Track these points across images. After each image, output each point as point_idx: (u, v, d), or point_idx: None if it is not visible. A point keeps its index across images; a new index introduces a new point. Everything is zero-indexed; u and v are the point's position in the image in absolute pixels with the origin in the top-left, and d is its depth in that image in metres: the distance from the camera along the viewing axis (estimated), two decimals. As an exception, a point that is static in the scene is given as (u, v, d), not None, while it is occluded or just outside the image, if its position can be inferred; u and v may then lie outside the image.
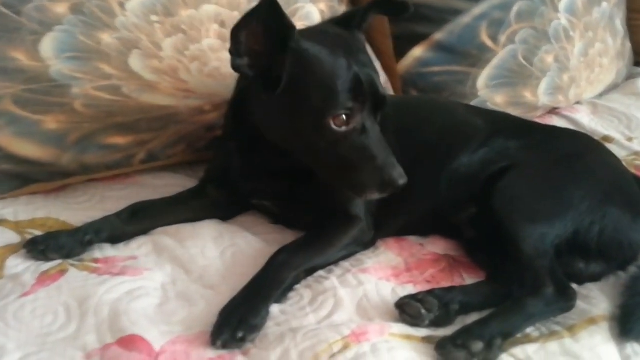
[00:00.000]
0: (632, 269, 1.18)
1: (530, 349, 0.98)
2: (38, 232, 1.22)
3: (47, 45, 1.28)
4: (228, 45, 1.39)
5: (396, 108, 1.24)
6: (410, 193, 1.17)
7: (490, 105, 1.79)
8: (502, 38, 1.80)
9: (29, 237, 1.19)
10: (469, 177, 1.28)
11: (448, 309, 1.05)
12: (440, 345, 0.96)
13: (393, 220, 1.29)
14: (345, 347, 0.95)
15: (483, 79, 1.79)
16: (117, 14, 1.34)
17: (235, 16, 1.43)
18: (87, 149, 1.34)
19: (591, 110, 1.99)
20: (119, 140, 1.37)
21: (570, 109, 1.98)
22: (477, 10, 1.77)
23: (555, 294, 1.05)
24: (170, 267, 1.15)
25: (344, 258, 1.20)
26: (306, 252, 1.15)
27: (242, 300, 1.03)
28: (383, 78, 1.70)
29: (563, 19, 1.93)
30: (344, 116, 1.07)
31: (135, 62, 1.35)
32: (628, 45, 2.25)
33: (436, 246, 1.27)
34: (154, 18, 1.37)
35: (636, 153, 1.69)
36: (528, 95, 1.87)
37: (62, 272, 1.12)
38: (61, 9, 1.29)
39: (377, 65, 1.68)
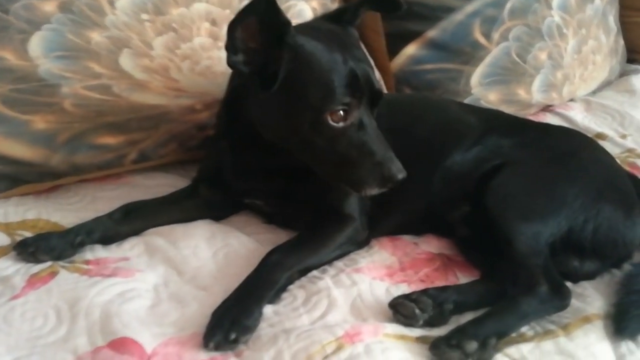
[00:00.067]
0: (627, 267, 1.18)
1: (525, 348, 0.98)
2: (28, 234, 1.21)
3: (36, 44, 1.26)
4: (219, 43, 1.41)
5: (389, 106, 1.23)
6: (403, 192, 1.16)
7: (483, 103, 1.79)
8: (496, 35, 1.80)
9: (19, 238, 1.18)
10: (463, 175, 1.28)
11: (442, 308, 1.04)
12: (434, 346, 0.96)
13: (387, 219, 1.28)
14: (339, 348, 0.94)
15: (476, 76, 1.79)
16: (107, 12, 1.33)
17: (226, 14, 1.43)
18: (78, 149, 1.33)
19: (585, 108, 1.99)
20: (110, 140, 1.35)
21: (564, 107, 1.98)
22: (470, 7, 1.77)
23: (549, 293, 1.05)
24: (163, 268, 1.14)
25: (338, 258, 1.20)
26: (299, 252, 1.15)
27: (235, 301, 1.02)
28: (376, 76, 1.69)
29: (556, 16, 1.92)
30: (341, 112, 1.07)
31: (126, 61, 1.34)
32: (621, 42, 2.25)
33: (430, 245, 1.26)
34: (144, 16, 1.36)
35: (629, 150, 1.70)
36: (522, 92, 1.87)
37: (53, 274, 1.10)
38: (49, 7, 1.28)
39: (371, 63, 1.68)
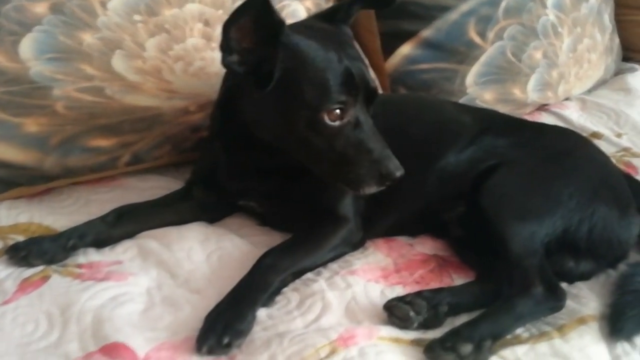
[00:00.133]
0: (622, 267, 1.18)
1: (520, 350, 0.98)
2: (21, 238, 1.20)
3: (27, 46, 1.25)
4: (213, 44, 1.40)
5: (383, 106, 1.22)
6: (398, 192, 1.16)
7: (479, 103, 1.79)
8: (491, 34, 1.79)
9: (11, 242, 1.17)
10: (457, 175, 1.27)
11: (437, 310, 1.04)
12: (429, 348, 0.95)
13: (381, 220, 1.28)
14: (333, 352, 0.93)
15: (472, 76, 1.78)
16: (99, 13, 1.32)
17: (219, 14, 1.42)
18: (70, 152, 1.32)
19: (580, 107, 1.99)
20: (103, 142, 1.34)
21: (560, 105, 1.98)
22: (465, 6, 1.76)
23: (544, 294, 1.05)
24: (156, 272, 1.13)
25: (333, 260, 1.19)
26: (293, 255, 1.14)
27: (228, 304, 1.02)
28: (373, 77, 1.68)
29: (551, 15, 1.92)
30: (338, 110, 1.07)
31: (118, 62, 1.33)
32: (616, 40, 2.25)
33: (425, 246, 1.26)
34: (136, 17, 1.35)
35: (625, 149, 1.69)
36: (517, 92, 1.86)
37: (45, 278, 1.10)
38: (40, 8, 1.27)
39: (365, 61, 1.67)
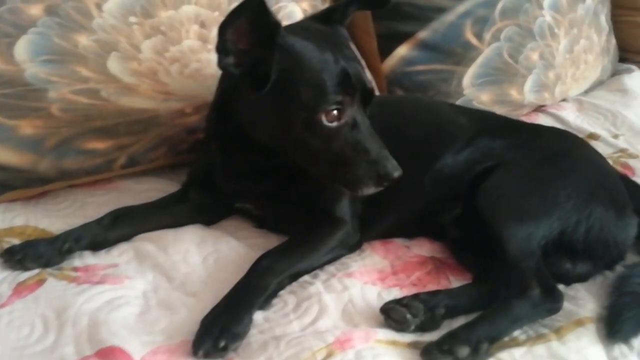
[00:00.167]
0: (619, 269, 1.18)
1: (517, 352, 0.97)
2: (16, 241, 1.19)
3: (22, 48, 1.25)
4: (209, 46, 1.40)
5: (380, 108, 1.22)
6: (395, 194, 1.16)
7: (476, 104, 1.78)
8: (487, 36, 1.79)
9: (6, 245, 1.17)
10: (454, 177, 1.27)
11: (434, 313, 1.03)
12: (426, 351, 0.95)
13: (378, 222, 1.27)
14: (329, 355, 0.93)
15: (468, 77, 1.78)
16: (94, 15, 1.31)
17: (215, 16, 1.41)
18: (66, 154, 1.31)
19: (577, 108, 1.99)
20: (98, 144, 1.34)
21: (556, 107, 1.98)
22: (462, 8, 1.76)
23: (541, 296, 1.04)
24: (152, 275, 1.13)
25: (329, 262, 1.19)
26: (290, 257, 1.14)
27: (224, 307, 1.01)
28: (370, 78, 1.68)
29: (547, 16, 1.92)
30: (335, 111, 1.07)
31: (114, 64, 1.33)
32: (613, 41, 2.25)
33: (422, 248, 1.25)
34: (132, 19, 1.34)
35: (622, 150, 1.69)
36: (514, 93, 1.86)
37: (40, 282, 1.09)
38: (35, 10, 1.26)
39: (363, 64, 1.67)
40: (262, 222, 1.30)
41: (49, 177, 1.32)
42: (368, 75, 1.38)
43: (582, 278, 1.16)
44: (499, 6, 1.81)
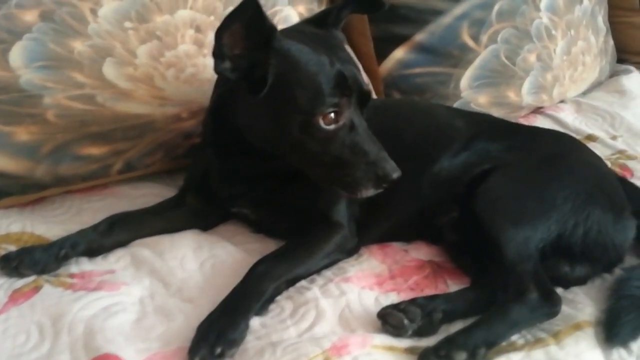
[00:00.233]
0: (618, 271, 1.17)
1: (515, 357, 0.97)
2: (12, 247, 1.19)
3: (17, 55, 1.25)
4: (204, 50, 1.40)
5: (376, 111, 1.22)
6: (392, 198, 1.15)
7: (473, 106, 1.78)
8: (484, 38, 1.79)
9: (2, 252, 1.16)
10: (451, 180, 1.27)
11: (431, 318, 1.03)
12: (423, 356, 0.95)
13: (376, 226, 1.27)
14: (326, 361, 0.93)
15: (466, 79, 1.78)
16: (89, 21, 1.31)
17: (211, 21, 1.41)
18: (62, 160, 1.31)
19: (575, 109, 1.98)
20: (94, 150, 1.34)
21: (554, 108, 1.97)
22: (458, 10, 1.76)
23: (539, 300, 1.04)
24: (149, 281, 1.12)
25: (327, 267, 1.18)
26: (287, 262, 1.13)
27: (221, 313, 1.01)
28: (366, 80, 1.68)
29: (544, 18, 1.92)
30: (332, 114, 1.07)
31: (109, 70, 1.32)
32: (610, 42, 2.25)
33: (420, 252, 1.25)
34: (127, 24, 1.34)
35: (620, 151, 1.69)
36: (512, 95, 1.86)
37: (36, 288, 1.09)
38: (30, 16, 1.26)
39: (359, 67, 1.66)
40: (259, 227, 1.30)
41: (45, 184, 1.31)
42: (365, 77, 1.38)
43: (580, 281, 1.16)
44: (496, 8, 1.81)
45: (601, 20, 2.16)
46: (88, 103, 1.31)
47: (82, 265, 1.16)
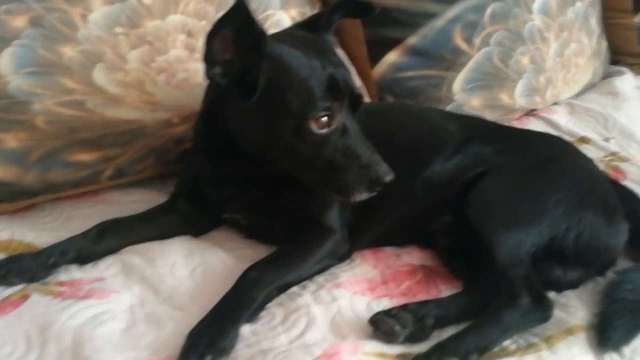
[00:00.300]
0: (610, 275, 1.17)
1: (507, 363, 0.96)
2: (1, 255, 1.18)
3: (5, 61, 1.23)
4: (196, 55, 1.39)
5: (368, 115, 1.21)
6: (385, 202, 1.15)
7: (466, 109, 1.78)
8: (477, 41, 1.79)
9: (-9, 260, 1.15)
10: (444, 184, 1.27)
11: (423, 323, 1.02)
12: (415, 363, 0.94)
13: (368, 231, 1.26)
14: (317, 369, 0.92)
15: (459, 82, 1.78)
16: (79, 26, 1.30)
17: (202, 25, 1.41)
18: (51, 167, 1.30)
19: (568, 111, 1.98)
20: (85, 156, 1.33)
21: (548, 110, 1.97)
22: (451, 13, 1.75)
23: (531, 304, 1.04)
24: (139, 288, 1.12)
25: (319, 272, 1.17)
26: (278, 268, 1.12)
27: (211, 321, 1.00)
28: (357, 84, 1.67)
29: (537, 20, 1.91)
30: (324, 118, 1.06)
31: (100, 75, 1.31)
32: (604, 44, 2.25)
33: (412, 257, 1.24)
34: (118, 30, 1.33)
35: (613, 153, 1.68)
36: (505, 97, 1.86)
37: (24, 297, 1.07)
38: (19, 22, 1.25)
39: (352, 71, 1.66)
40: (250, 233, 1.29)
41: (34, 190, 1.30)
42: (356, 81, 1.38)
43: (573, 284, 1.16)
44: (489, 11, 1.81)
45: (594, 22, 2.16)
46: (78, 109, 1.30)
47: (72, 273, 1.15)
